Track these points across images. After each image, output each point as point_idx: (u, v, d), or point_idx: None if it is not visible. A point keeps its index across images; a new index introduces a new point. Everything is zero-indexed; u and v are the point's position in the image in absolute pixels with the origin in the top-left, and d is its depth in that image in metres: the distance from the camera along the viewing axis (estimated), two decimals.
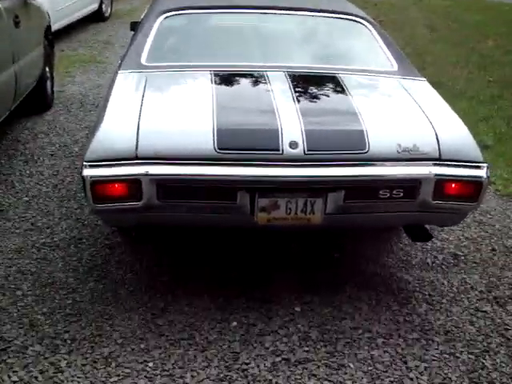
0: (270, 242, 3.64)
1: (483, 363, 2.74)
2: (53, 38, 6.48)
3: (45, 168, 4.74)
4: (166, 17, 3.82)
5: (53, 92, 6.37)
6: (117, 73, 3.48)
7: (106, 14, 10.92)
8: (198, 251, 3.60)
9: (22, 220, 3.90)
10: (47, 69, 6.09)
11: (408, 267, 3.53)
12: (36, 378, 2.54)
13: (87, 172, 2.73)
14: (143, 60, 3.51)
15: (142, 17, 4.57)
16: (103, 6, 10.71)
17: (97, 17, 10.56)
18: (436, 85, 3.80)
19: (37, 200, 4.19)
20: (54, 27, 7.52)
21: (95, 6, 10.37)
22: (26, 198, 4.21)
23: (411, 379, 2.62)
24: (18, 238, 3.67)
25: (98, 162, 2.74)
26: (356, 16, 4.04)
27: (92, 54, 8.53)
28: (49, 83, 6.18)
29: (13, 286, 3.18)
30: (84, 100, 6.50)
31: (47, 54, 6.07)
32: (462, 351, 2.82)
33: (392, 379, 2.61)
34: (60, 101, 6.43)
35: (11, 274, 3.30)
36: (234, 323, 2.94)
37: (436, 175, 2.85)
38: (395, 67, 3.65)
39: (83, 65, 7.92)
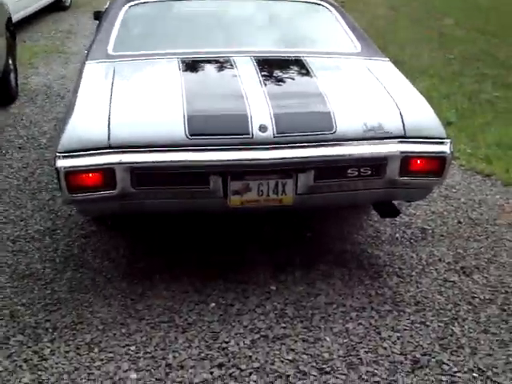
0: (243, 223, 3.71)
1: (452, 330, 2.87)
2: (14, 29, 6.41)
3: (14, 161, 4.73)
4: (131, 5, 3.83)
5: (17, 84, 6.32)
6: (84, 63, 3.50)
7: (67, 4, 10.79)
8: (172, 236, 3.66)
9: None
10: (10, 61, 6.04)
11: (378, 243, 3.65)
12: (20, 366, 2.59)
13: (61, 163, 2.76)
14: (110, 49, 3.53)
15: (106, 6, 4.57)
16: None
17: (57, 6, 10.43)
18: (398, 63, 3.90)
19: (8, 193, 4.19)
20: (14, 18, 7.43)
21: None
22: None
23: (385, 348, 2.73)
24: None
25: (71, 153, 2.77)
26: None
27: (54, 44, 8.45)
28: (12, 75, 6.12)
29: None
30: (49, 91, 6.47)
31: (9, 46, 6.01)
32: (432, 320, 2.94)
33: (367, 349, 2.72)
34: (25, 93, 6.38)
35: None
36: (212, 304, 3.02)
37: (401, 152, 2.95)
38: (358, 48, 3.73)
39: (46, 55, 7.84)
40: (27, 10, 9.01)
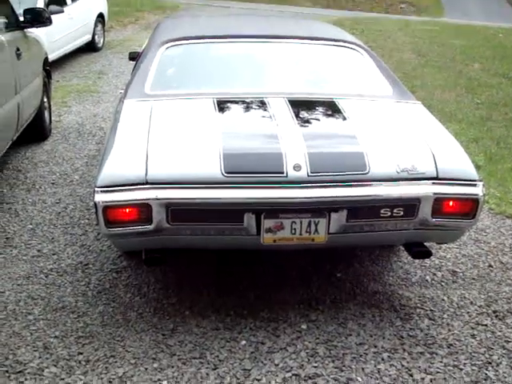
0: (273, 261, 3.73)
1: (486, 374, 2.84)
2: (50, 68, 6.60)
3: (47, 196, 4.82)
4: (168, 47, 3.95)
5: (51, 122, 6.48)
6: (122, 101, 3.59)
7: (99, 45, 11.08)
8: (203, 272, 3.68)
9: (27, 247, 3.97)
10: (45, 99, 6.21)
11: (408, 284, 3.63)
12: None
13: (99, 197, 2.83)
14: (147, 89, 3.63)
15: (142, 47, 4.70)
16: (96, 37, 10.88)
17: (90, 48, 10.72)
18: (427, 108, 3.94)
19: (41, 227, 4.26)
20: (50, 58, 7.66)
21: (89, 37, 10.54)
22: (31, 226, 4.28)
23: None
24: (26, 265, 3.74)
25: (109, 188, 2.84)
26: (350, 43, 4.19)
27: (87, 83, 8.65)
28: (47, 113, 6.29)
29: (24, 311, 3.25)
30: (81, 129, 6.60)
31: (45, 85, 6.18)
32: (465, 363, 2.91)
33: None
34: (58, 130, 6.53)
35: (22, 299, 3.36)
36: (243, 342, 3.02)
37: (434, 194, 2.97)
38: (390, 91, 3.79)
39: (78, 95, 8.03)
40: (62, 50, 9.29)
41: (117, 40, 12.22)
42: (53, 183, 5.10)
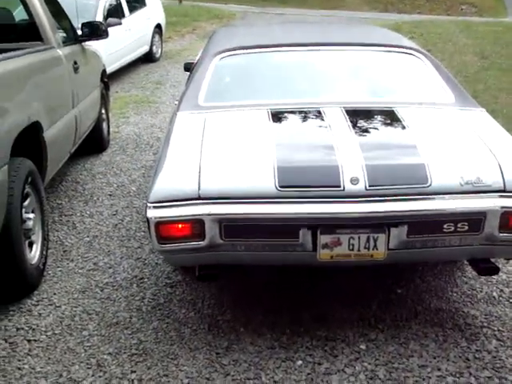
0: (331, 276, 3.61)
1: None
2: (108, 80, 6.68)
3: (104, 208, 4.84)
4: (222, 57, 3.90)
5: (109, 133, 6.55)
6: (176, 114, 3.56)
7: (157, 55, 11.22)
8: (258, 289, 3.59)
9: (84, 260, 3.98)
10: (103, 111, 6.28)
11: (474, 301, 3.45)
12: None
13: (151, 213, 2.78)
14: (201, 101, 3.59)
15: (197, 58, 4.68)
16: (154, 48, 11.02)
17: (148, 58, 10.85)
18: (490, 113, 3.75)
19: (98, 240, 4.27)
20: (108, 70, 7.77)
21: (146, 48, 10.68)
22: (88, 239, 4.30)
23: None
24: (82, 278, 3.74)
25: (161, 203, 2.79)
26: (408, 48, 4.05)
27: (144, 94, 8.74)
28: (105, 125, 6.36)
29: (79, 327, 3.24)
30: (139, 140, 6.65)
31: (103, 97, 6.25)
32: None
33: None
34: (116, 141, 6.60)
35: (77, 313, 3.36)
36: (299, 362, 2.91)
37: (502, 207, 2.80)
38: (452, 98, 3.62)
39: (136, 105, 8.12)
40: (120, 62, 9.43)
41: (174, 50, 12.34)
42: (110, 195, 5.13)
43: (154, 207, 2.80)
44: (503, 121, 6.60)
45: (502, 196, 2.83)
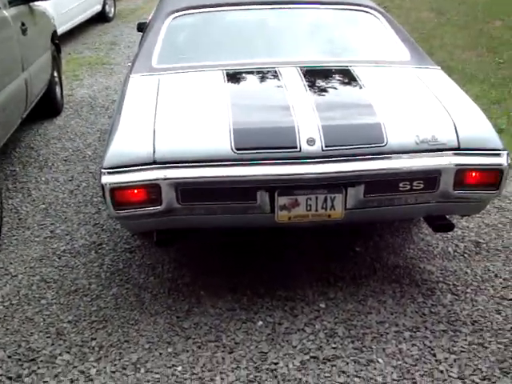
0: (290, 237, 3.62)
1: None
2: (59, 42, 6.48)
3: (60, 174, 4.75)
4: (175, 17, 3.80)
5: (62, 96, 6.38)
6: (129, 76, 3.47)
7: (110, 15, 10.90)
8: (216, 251, 3.59)
9: (41, 228, 3.91)
10: (55, 74, 6.10)
11: (430, 257, 3.51)
12: None
13: (106, 179, 2.73)
14: (154, 62, 3.50)
15: (149, 18, 4.56)
16: (107, 7, 10.70)
17: (101, 18, 10.54)
18: (446, 69, 3.76)
19: (54, 207, 4.20)
20: (59, 31, 7.54)
21: (99, 7, 10.36)
22: (43, 206, 4.22)
23: (441, 372, 2.60)
24: (39, 247, 3.68)
25: (116, 169, 2.74)
26: (364, 6, 4.00)
27: (98, 55, 8.53)
28: (58, 88, 6.19)
29: (37, 296, 3.20)
30: (94, 103, 6.51)
31: (55, 59, 6.07)
32: (490, 341, 2.80)
33: (422, 373, 2.60)
34: (70, 105, 6.45)
35: (34, 282, 3.31)
36: (260, 323, 2.94)
37: (456, 165, 2.83)
38: (408, 56, 3.61)
39: (90, 67, 7.92)
40: (71, 22, 9.15)
41: (128, 9, 12.02)
42: (65, 160, 5.03)
43: (109, 173, 2.74)
44: (459, 77, 6.67)
45: (456, 154, 2.85)
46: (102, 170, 2.76)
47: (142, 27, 5.07)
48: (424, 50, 3.87)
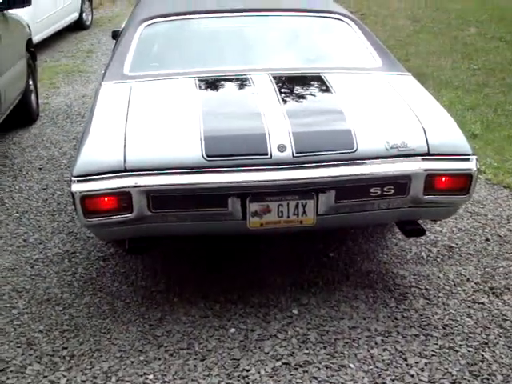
0: (264, 243, 3.63)
1: (483, 355, 2.75)
2: (35, 50, 6.44)
3: (34, 182, 4.71)
4: (147, 25, 3.80)
5: (38, 105, 6.34)
6: (100, 84, 3.46)
7: (87, 23, 10.86)
8: (191, 257, 3.59)
9: (13, 237, 3.88)
10: (31, 82, 6.06)
11: (403, 262, 3.54)
12: None
13: (76, 187, 2.72)
14: (126, 70, 3.50)
15: (122, 26, 4.55)
16: (84, 15, 10.65)
17: (78, 26, 10.50)
18: (421, 76, 3.81)
19: (28, 215, 4.17)
20: (36, 39, 7.50)
21: (76, 15, 10.31)
22: (17, 214, 4.19)
23: (412, 376, 2.62)
24: (11, 256, 3.65)
25: (86, 177, 2.73)
26: (336, 13, 4.03)
27: (75, 63, 8.49)
28: (33, 96, 6.14)
29: (8, 305, 3.16)
30: (70, 111, 6.47)
31: (30, 67, 6.03)
32: (461, 345, 2.82)
33: (393, 377, 2.61)
34: (45, 113, 6.40)
35: (6, 292, 3.28)
36: (233, 330, 2.93)
37: (425, 170, 2.86)
38: (379, 63, 3.64)
39: (67, 75, 7.88)
40: (48, 30, 9.08)
41: (106, 17, 11.99)
42: (40, 168, 5.00)
43: (79, 181, 2.73)
44: (434, 83, 6.76)
45: (425, 159, 2.88)
46: (72, 178, 2.74)
47: (116, 34, 5.07)
48: (400, 57, 3.92)
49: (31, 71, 6.11)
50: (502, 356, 2.74)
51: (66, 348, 2.83)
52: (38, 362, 2.74)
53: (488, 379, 2.60)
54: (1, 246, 3.77)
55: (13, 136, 5.71)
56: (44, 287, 3.32)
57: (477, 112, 6.10)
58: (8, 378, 2.64)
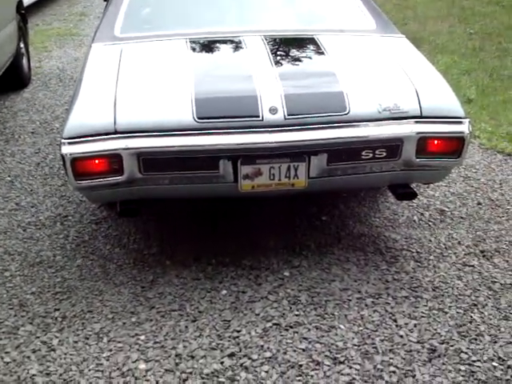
0: (256, 206, 3.63)
1: (471, 317, 2.77)
2: (25, 12, 6.34)
3: (26, 146, 4.69)
4: None
5: (29, 68, 6.27)
6: (90, 46, 3.42)
7: None
8: (182, 221, 3.59)
9: (6, 200, 3.87)
10: (22, 45, 5.99)
11: (395, 226, 3.54)
12: (29, 357, 2.54)
13: (66, 149, 2.70)
14: (117, 31, 3.45)
15: None
16: None
17: None
18: (418, 40, 3.77)
19: (20, 179, 4.15)
20: (26, 1, 7.37)
21: None
22: (9, 178, 4.17)
23: (401, 336, 2.64)
24: (3, 219, 3.64)
25: (76, 139, 2.71)
26: None
27: (67, 26, 8.39)
28: (25, 60, 6.08)
29: (1, 268, 3.17)
30: (62, 75, 6.42)
31: (21, 30, 5.95)
32: (450, 306, 2.84)
33: (382, 338, 2.63)
34: (38, 77, 6.35)
35: None
36: (224, 291, 2.95)
37: (418, 133, 2.84)
38: (373, 25, 3.60)
39: (59, 38, 7.79)
40: None
41: None
42: (32, 132, 4.97)
43: (69, 143, 2.71)
44: (430, 47, 6.70)
45: (418, 122, 2.86)
46: (62, 141, 2.72)
47: None
48: (397, 21, 3.87)
49: (22, 34, 6.03)
50: (491, 317, 2.77)
51: (58, 309, 2.84)
52: (31, 323, 2.75)
53: (476, 339, 2.62)
54: None
55: (4, 100, 5.67)
56: (36, 250, 3.33)
57: (472, 76, 6.06)
58: (1, 339, 2.65)
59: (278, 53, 3.27)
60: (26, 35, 6.23)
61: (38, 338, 2.66)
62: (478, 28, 7.82)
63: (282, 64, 3.17)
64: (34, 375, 2.45)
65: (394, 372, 2.45)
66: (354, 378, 2.42)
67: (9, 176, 4.20)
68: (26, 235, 3.47)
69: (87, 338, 2.65)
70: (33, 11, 8.58)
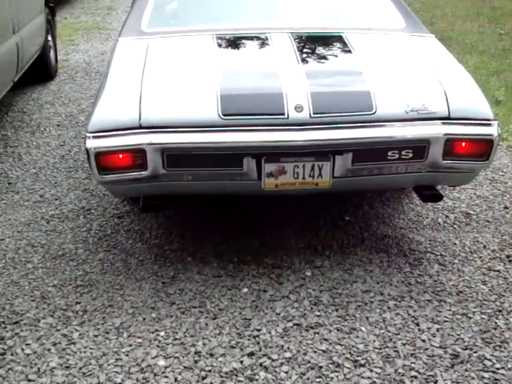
0: (280, 205, 3.60)
1: (496, 323, 2.72)
2: (54, 5, 6.39)
3: (51, 139, 4.72)
4: None
5: (57, 61, 6.33)
6: (117, 40, 3.42)
7: None
8: (207, 217, 3.58)
9: (30, 192, 3.90)
10: (50, 38, 6.03)
11: (419, 228, 3.49)
12: (49, 350, 2.55)
13: (91, 143, 2.70)
14: (144, 26, 3.45)
15: None
16: None
17: None
18: (446, 40, 3.72)
19: (44, 171, 4.18)
20: None
21: None
22: (34, 170, 4.20)
23: (423, 341, 2.60)
24: (27, 211, 3.67)
25: (101, 133, 2.71)
26: None
27: (95, 20, 8.44)
28: (52, 52, 6.13)
29: (23, 259, 3.19)
30: (88, 68, 6.46)
31: (49, 23, 5.99)
32: (474, 311, 2.79)
33: (404, 341, 2.59)
34: (64, 70, 6.39)
35: (21, 247, 3.30)
36: (245, 290, 2.93)
37: (445, 134, 2.79)
38: (402, 24, 3.55)
39: (86, 32, 7.84)
40: None
41: None
42: (58, 125, 5.01)
43: (94, 137, 2.71)
44: (459, 48, 6.60)
45: (445, 123, 2.81)
46: (87, 134, 2.73)
47: None
48: (425, 20, 3.82)
49: (50, 27, 6.08)
50: None
51: (79, 303, 2.85)
52: (52, 316, 2.76)
53: (500, 346, 2.57)
54: (17, 201, 3.79)
55: (31, 92, 5.72)
56: (59, 243, 3.34)
57: (501, 78, 5.97)
58: (22, 331, 2.66)
59: (305, 50, 3.24)
60: (54, 28, 6.28)
61: (59, 330, 2.67)
62: (509, 28, 7.70)
63: (308, 62, 3.13)
64: (53, 368, 2.45)
65: (415, 377, 2.40)
66: (374, 382, 2.39)
67: (34, 168, 4.23)
68: (49, 228, 3.49)
69: (107, 333, 2.65)
70: (61, 4, 8.63)
